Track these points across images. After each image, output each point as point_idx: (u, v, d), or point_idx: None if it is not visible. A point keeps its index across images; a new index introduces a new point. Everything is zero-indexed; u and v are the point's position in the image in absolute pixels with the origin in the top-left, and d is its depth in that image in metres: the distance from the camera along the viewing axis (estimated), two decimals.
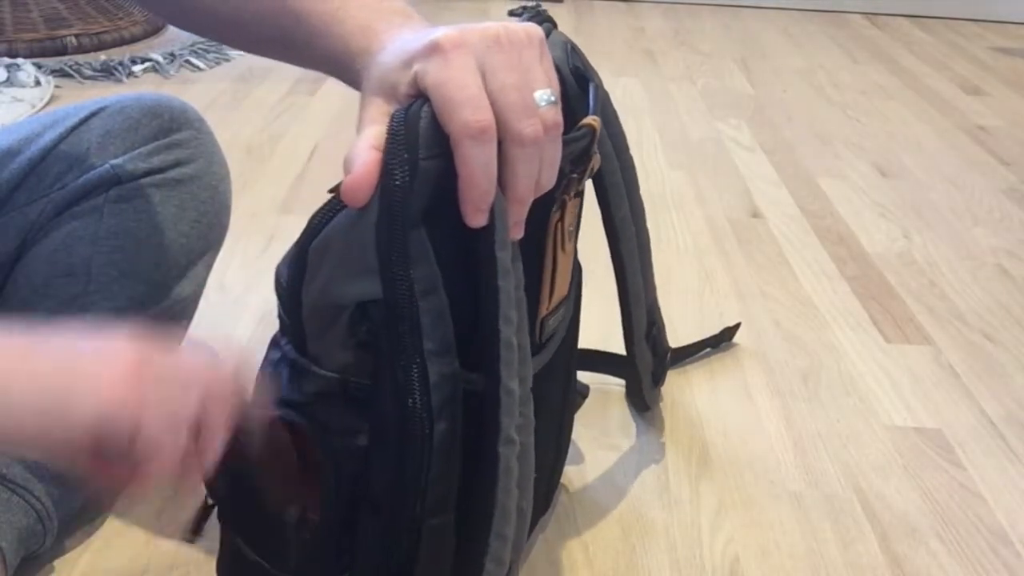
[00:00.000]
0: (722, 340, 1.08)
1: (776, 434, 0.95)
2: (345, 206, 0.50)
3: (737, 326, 1.09)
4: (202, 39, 2.11)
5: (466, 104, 0.48)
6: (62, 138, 0.78)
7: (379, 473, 0.54)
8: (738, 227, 1.39)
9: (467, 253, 0.52)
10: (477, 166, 0.49)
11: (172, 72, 1.94)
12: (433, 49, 0.50)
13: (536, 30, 0.52)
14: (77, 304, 0.74)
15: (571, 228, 0.66)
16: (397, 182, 0.49)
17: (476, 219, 0.51)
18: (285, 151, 1.58)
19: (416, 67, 0.50)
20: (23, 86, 1.76)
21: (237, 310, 1.11)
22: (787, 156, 1.68)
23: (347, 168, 0.49)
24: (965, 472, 0.91)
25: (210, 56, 2.03)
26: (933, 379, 1.06)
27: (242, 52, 2.06)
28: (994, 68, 2.32)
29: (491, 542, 0.55)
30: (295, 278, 0.53)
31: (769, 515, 0.85)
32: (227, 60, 2.03)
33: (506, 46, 0.50)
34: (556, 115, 0.52)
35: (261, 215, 1.34)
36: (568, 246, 0.66)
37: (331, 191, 0.51)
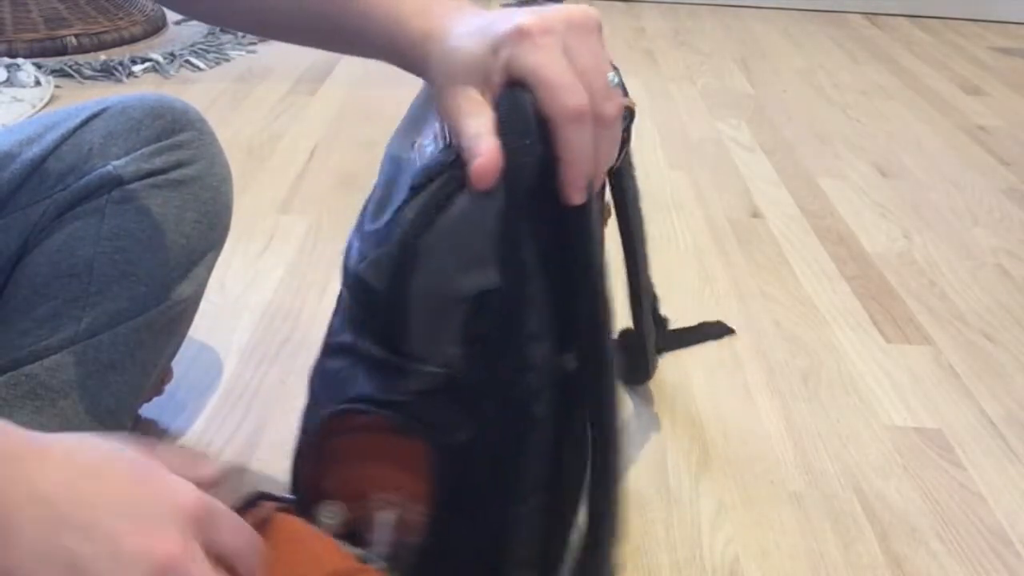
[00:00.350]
0: (711, 332, 1.09)
1: (776, 434, 0.95)
2: (448, 200, 0.51)
3: (718, 323, 1.10)
4: (202, 39, 2.11)
5: (566, 88, 0.50)
6: (64, 139, 0.78)
7: (484, 460, 0.54)
8: (738, 227, 1.39)
9: (553, 235, 0.54)
10: (579, 147, 0.51)
11: (172, 72, 1.94)
12: (522, 34, 0.51)
13: (596, 14, 0.54)
14: (78, 305, 0.74)
15: (606, 206, 0.68)
16: (517, 168, 0.50)
17: (578, 197, 0.52)
18: (285, 151, 1.58)
19: (506, 52, 0.51)
20: (23, 86, 1.76)
21: (237, 310, 1.11)
22: (787, 156, 1.69)
23: (469, 156, 0.50)
24: (965, 472, 0.91)
25: (210, 56, 2.03)
26: (933, 379, 1.06)
27: (243, 52, 2.06)
28: (994, 68, 2.32)
29: (614, 505, 0.56)
30: (398, 275, 0.53)
31: (769, 515, 0.85)
32: (227, 60, 2.03)
33: (582, 30, 0.52)
34: (620, 96, 0.54)
35: (261, 215, 1.35)
36: (605, 222, 0.68)
37: (414, 188, 0.53)
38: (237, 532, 0.47)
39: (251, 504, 0.55)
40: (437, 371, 0.54)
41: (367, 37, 0.58)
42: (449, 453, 0.55)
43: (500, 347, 0.52)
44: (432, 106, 0.65)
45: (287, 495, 0.61)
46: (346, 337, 0.57)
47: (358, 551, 0.57)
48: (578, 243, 0.54)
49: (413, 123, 0.66)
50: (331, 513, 0.58)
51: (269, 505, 0.56)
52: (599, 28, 0.54)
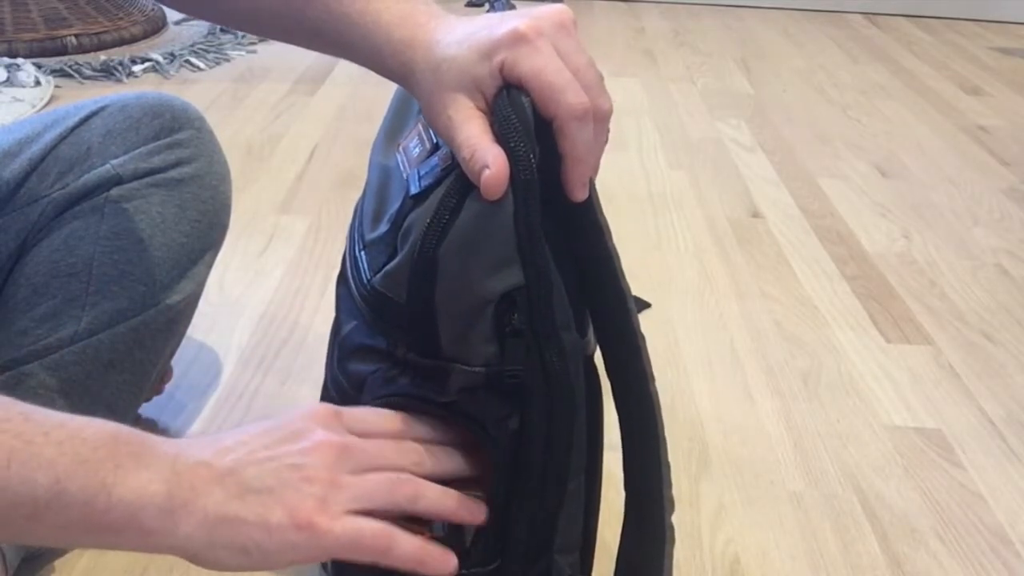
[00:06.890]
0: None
1: (776, 434, 0.95)
2: (458, 208, 0.52)
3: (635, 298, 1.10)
4: (202, 39, 2.11)
5: (567, 88, 0.51)
6: (63, 138, 0.78)
7: (535, 446, 0.55)
8: (738, 227, 1.39)
9: (557, 229, 0.55)
10: (583, 145, 0.52)
11: (172, 72, 1.94)
12: (518, 38, 0.51)
13: (570, 13, 0.54)
14: (77, 304, 0.74)
15: None
16: (527, 171, 0.51)
17: (582, 193, 0.53)
18: (285, 151, 1.58)
19: (501, 57, 0.51)
20: (23, 86, 1.76)
21: (237, 310, 1.11)
22: (787, 156, 1.69)
23: (476, 166, 0.50)
24: (965, 472, 0.91)
25: (210, 56, 2.03)
26: (933, 379, 1.06)
27: (243, 52, 2.06)
28: (994, 68, 2.32)
29: (663, 472, 0.58)
30: (419, 286, 0.53)
31: (769, 515, 0.85)
32: (227, 60, 2.03)
33: (567, 30, 0.53)
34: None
35: (261, 215, 1.35)
36: None
37: (415, 197, 0.54)
38: (368, 416, 0.54)
39: None
40: (477, 370, 0.55)
41: (349, 42, 0.58)
42: (503, 443, 0.56)
43: (535, 339, 0.54)
44: (410, 109, 0.65)
45: None
46: (375, 341, 0.57)
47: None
48: (589, 236, 0.55)
49: (393, 127, 0.66)
50: None
51: None
52: (575, 27, 0.55)
